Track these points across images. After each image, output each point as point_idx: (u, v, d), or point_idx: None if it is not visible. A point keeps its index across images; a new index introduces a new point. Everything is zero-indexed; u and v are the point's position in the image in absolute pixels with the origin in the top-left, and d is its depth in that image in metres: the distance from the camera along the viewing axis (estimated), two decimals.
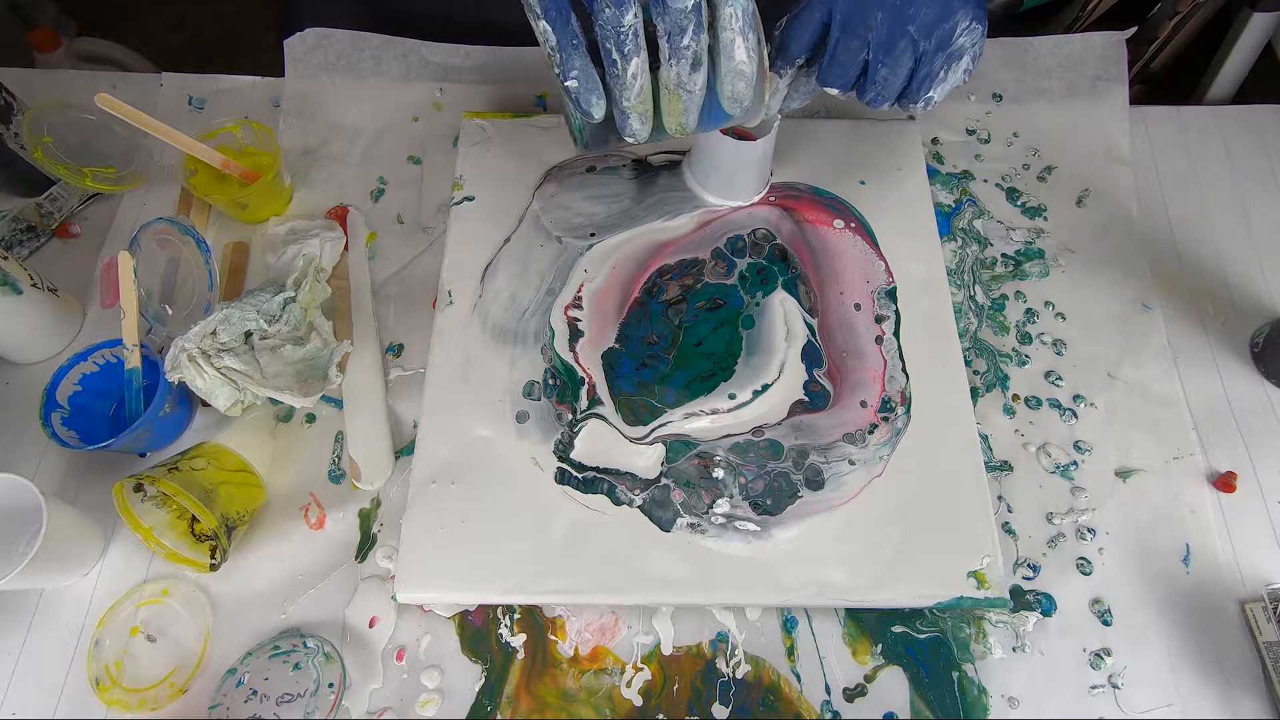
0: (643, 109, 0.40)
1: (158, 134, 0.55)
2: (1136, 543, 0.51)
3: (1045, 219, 0.62)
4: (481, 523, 0.49)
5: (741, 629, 0.49)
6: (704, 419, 0.52)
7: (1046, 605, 0.49)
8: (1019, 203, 0.63)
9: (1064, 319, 0.58)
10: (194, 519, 0.50)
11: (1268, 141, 0.66)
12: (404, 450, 0.53)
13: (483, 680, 0.47)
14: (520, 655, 0.48)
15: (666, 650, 0.48)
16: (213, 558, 0.48)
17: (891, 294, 0.57)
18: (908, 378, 0.54)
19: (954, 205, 0.63)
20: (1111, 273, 0.60)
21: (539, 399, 0.53)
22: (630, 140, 0.42)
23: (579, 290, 0.57)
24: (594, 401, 0.53)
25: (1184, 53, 0.73)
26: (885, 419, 0.53)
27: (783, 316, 0.56)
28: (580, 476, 0.51)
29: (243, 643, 0.48)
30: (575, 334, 0.55)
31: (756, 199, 0.60)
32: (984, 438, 0.54)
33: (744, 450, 0.51)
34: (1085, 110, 0.66)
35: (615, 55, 0.37)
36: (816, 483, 0.50)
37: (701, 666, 0.48)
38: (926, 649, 0.48)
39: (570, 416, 0.52)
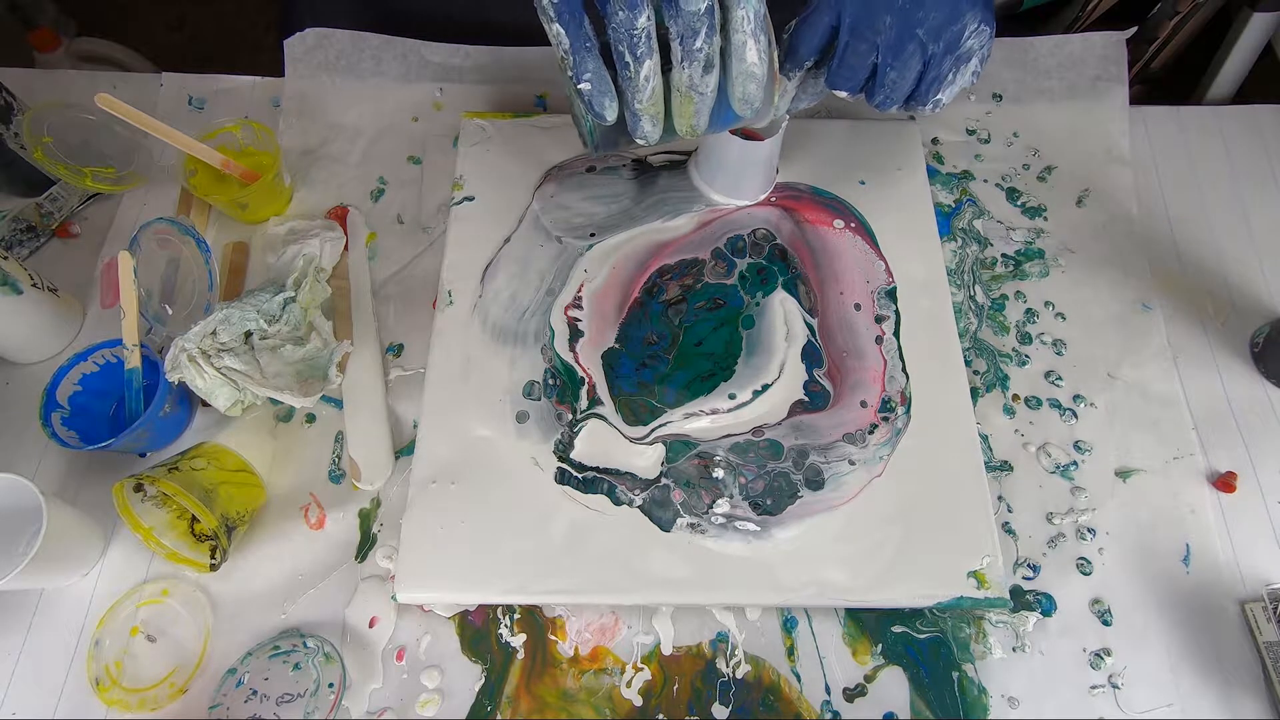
0: (655, 111, 0.40)
1: (158, 134, 0.55)
2: (1136, 543, 0.51)
3: (1045, 219, 0.62)
4: (481, 523, 0.49)
5: (741, 629, 0.49)
6: (704, 419, 0.52)
7: (1046, 605, 0.49)
8: (1019, 203, 0.63)
9: (1064, 319, 0.58)
10: (194, 519, 0.50)
11: (1268, 141, 0.66)
12: (404, 450, 0.53)
13: (483, 680, 0.47)
14: (520, 655, 0.48)
15: (666, 650, 0.48)
16: (213, 558, 0.48)
17: (891, 294, 0.57)
18: (908, 378, 0.54)
19: (954, 205, 0.63)
20: (1111, 273, 0.60)
21: (539, 399, 0.53)
22: (641, 142, 0.42)
23: (579, 290, 0.57)
24: (594, 401, 0.53)
25: (1184, 53, 0.73)
26: (885, 419, 0.52)
27: (783, 316, 0.56)
28: (580, 476, 0.51)
29: (243, 643, 0.48)
30: (575, 334, 0.55)
31: (763, 198, 0.60)
32: (984, 438, 0.54)
33: (744, 450, 0.51)
34: (1085, 110, 0.66)
35: (628, 58, 0.37)
36: (816, 483, 0.50)
37: (701, 666, 0.48)
38: (926, 649, 0.48)
39: (570, 416, 0.52)
